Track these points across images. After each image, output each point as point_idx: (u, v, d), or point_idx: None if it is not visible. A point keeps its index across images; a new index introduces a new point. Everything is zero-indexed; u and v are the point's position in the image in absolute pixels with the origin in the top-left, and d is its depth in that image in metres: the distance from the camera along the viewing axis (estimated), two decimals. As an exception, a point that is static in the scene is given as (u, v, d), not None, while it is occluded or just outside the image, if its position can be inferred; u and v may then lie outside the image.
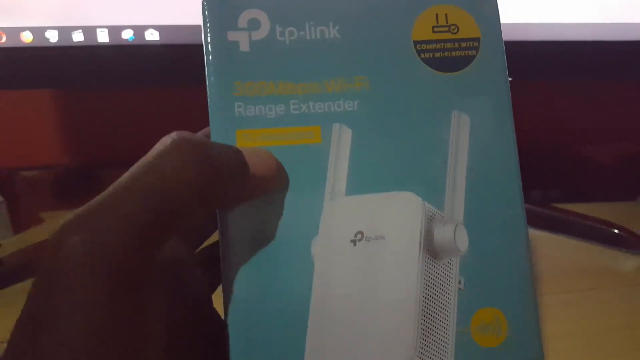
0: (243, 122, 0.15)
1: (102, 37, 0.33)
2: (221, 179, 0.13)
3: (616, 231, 0.37)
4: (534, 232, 0.40)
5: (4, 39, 0.32)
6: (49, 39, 0.32)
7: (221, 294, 0.15)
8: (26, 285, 0.35)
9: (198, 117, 0.27)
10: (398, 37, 0.16)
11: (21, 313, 0.13)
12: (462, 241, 0.15)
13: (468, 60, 0.16)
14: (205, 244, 0.18)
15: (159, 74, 0.36)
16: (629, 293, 0.32)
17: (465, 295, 0.15)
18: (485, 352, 0.15)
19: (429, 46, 0.16)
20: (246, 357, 0.14)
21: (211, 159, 0.13)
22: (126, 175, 0.13)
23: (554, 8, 0.37)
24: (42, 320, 0.12)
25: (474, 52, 0.16)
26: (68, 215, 0.12)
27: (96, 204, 0.12)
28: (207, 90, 0.16)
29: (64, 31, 0.32)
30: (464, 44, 0.16)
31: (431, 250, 0.15)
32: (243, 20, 0.15)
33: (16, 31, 0.32)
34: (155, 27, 0.33)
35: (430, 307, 0.15)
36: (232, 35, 0.15)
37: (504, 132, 0.16)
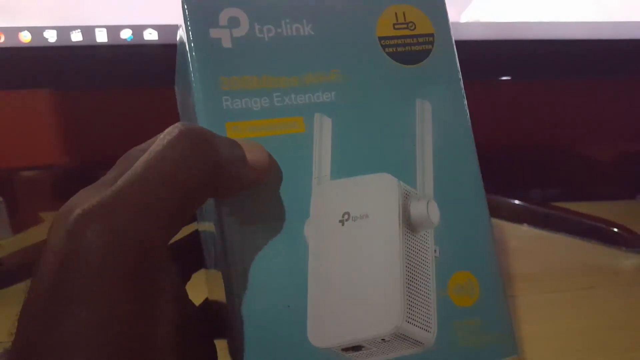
0: (231, 114, 0.16)
1: (101, 36, 0.33)
2: (224, 169, 0.14)
3: (615, 230, 0.37)
4: (533, 231, 0.40)
5: (2, 39, 0.32)
6: (47, 39, 0.32)
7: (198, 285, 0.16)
8: (25, 285, 0.35)
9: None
10: (364, 33, 0.18)
11: (28, 302, 0.13)
12: (435, 214, 0.17)
13: (425, 53, 0.18)
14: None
15: (158, 73, 0.36)
16: (628, 292, 0.32)
17: (440, 262, 0.17)
18: (462, 311, 0.17)
19: (392, 41, 0.18)
20: (257, 339, 0.15)
21: (216, 150, 0.14)
22: (140, 165, 0.13)
23: (553, 7, 0.37)
24: (59, 308, 0.12)
25: (429, 46, 0.18)
26: (81, 203, 0.13)
27: (114, 193, 0.12)
28: (192, 85, 0.16)
29: (63, 31, 0.32)
30: (421, 39, 0.18)
31: (409, 224, 0.17)
32: (223, 18, 0.16)
33: (14, 31, 0.32)
34: (154, 27, 0.33)
35: (413, 275, 0.17)
36: (214, 33, 0.16)
37: (460, 114, 0.18)
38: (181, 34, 0.17)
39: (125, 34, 0.33)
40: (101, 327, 0.12)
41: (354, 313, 0.16)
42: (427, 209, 0.17)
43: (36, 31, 0.32)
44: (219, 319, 0.17)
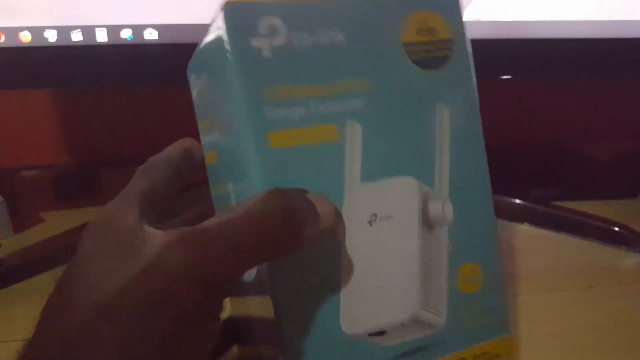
0: (272, 124, 0.16)
1: (101, 36, 0.33)
2: (303, 227, 0.15)
3: (616, 229, 0.37)
4: (534, 230, 0.40)
5: (2, 39, 0.32)
6: (47, 39, 0.32)
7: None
8: (26, 285, 0.35)
9: (194, 116, 0.26)
10: (390, 40, 0.18)
11: (84, 303, 0.14)
12: (449, 213, 0.19)
13: (445, 59, 0.19)
14: None
15: (158, 73, 0.36)
16: (629, 291, 0.32)
17: (452, 254, 0.19)
18: (467, 297, 0.19)
19: (415, 48, 0.19)
20: (300, 326, 0.17)
21: (299, 211, 0.15)
22: (235, 213, 0.15)
23: (553, 6, 0.37)
24: (123, 313, 0.13)
25: (448, 52, 0.19)
26: (170, 233, 0.14)
27: (206, 230, 0.14)
28: (231, 94, 0.16)
29: (63, 31, 0.32)
30: (441, 45, 0.19)
31: (427, 222, 0.18)
32: (263, 26, 0.16)
33: (15, 31, 0.32)
34: (154, 27, 0.33)
35: (429, 268, 0.18)
36: (255, 42, 0.16)
37: (474, 117, 0.19)
38: (215, 36, 0.17)
39: (126, 34, 0.33)
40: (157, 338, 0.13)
41: (378, 303, 0.18)
42: (442, 209, 0.19)
43: (36, 31, 0.32)
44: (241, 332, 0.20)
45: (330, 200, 0.16)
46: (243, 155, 0.17)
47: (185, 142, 0.20)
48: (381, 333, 0.18)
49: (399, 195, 0.18)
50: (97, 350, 0.13)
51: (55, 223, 0.43)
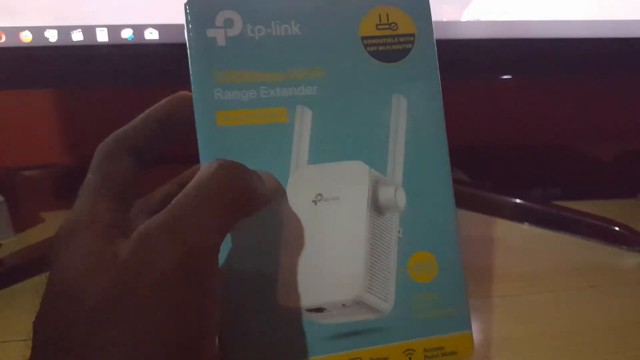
0: (222, 104, 0.18)
1: (102, 36, 0.33)
2: (254, 192, 0.16)
3: (617, 229, 0.37)
4: (534, 230, 0.40)
5: (3, 39, 0.32)
6: (48, 39, 0.32)
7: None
8: (26, 285, 0.35)
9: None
10: (348, 33, 0.19)
11: (91, 301, 0.14)
12: (401, 200, 0.19)
13: (405, 52, 0.20)
14: None
15: (159, 73, 0.36)
16: (629, 291, 0.32)
17: (403, 242, 0.19)
18: (420, 286, 0.19)
19: (374, 41, 0.19)
20: (235, 297, 0.18)
21: (248, 177, 0.16)
22: (191, 189, 0.15)
23: (553, 6, 0.37)
24: (131, 304, 0.14)
25: (410, 45, 0.20)
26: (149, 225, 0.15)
27: (174, 210, 0.15)
28: (191, 79, 0.18)
29: (64, 31, 0.32)
30: (402, 39, 0.20)
31: (376, 207, 0.19)
32: (220, 19, 0.18)
33: (15, 31, 0.32)
34: (155, 27, 0.33)
35: (376, 252, 0.19)
36: (210, 32, 0.18)
37: (434, 110, 0.20)
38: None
39: (126, 34, 0.33)
40: (172, 320, 0.14)
41: (320, 280, 0.18)
42: (394, 195, 0.19)
43: (37, 31, 0.32)
44: None
45: (274, 177, 0.18)
46: (198, 130, 0.18)
47: (153, 112, 0.19)
48: (320, 310, 0.18)
49: (348, 178, 0.19)
50: (105, 354, 0.13)
51: (55, 223, 0.42)
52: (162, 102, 0.19)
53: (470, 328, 0.20)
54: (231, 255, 0.18)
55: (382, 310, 0.19)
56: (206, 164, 0.17)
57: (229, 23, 0.18)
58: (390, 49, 0.20)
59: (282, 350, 0.18)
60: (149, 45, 0.33)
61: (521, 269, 0.34)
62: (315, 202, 0.19)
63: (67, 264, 0.15)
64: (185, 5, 0.18)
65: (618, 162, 0.55)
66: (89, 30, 0.32)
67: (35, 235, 0.40)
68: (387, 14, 0.20)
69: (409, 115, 0.20)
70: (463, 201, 0.44)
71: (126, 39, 0.33)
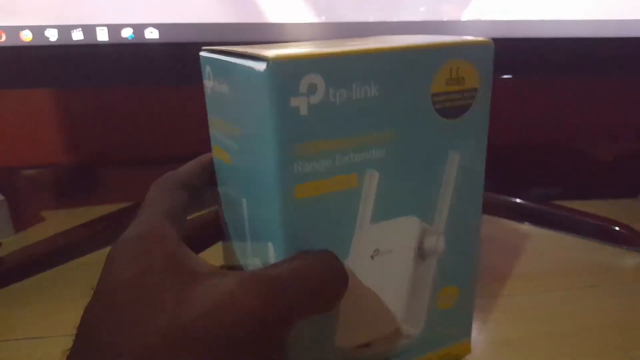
0: (300, 178, 0.17)
1: (102, 35, 0.33)
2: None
3: (617, 228, 0.37)
4: (535, 230, 0.40)
5: (3, 38, 0.32)
6: (48, 38, 0.32)
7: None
8: (27, 284, 0.35)
9: (197, 115, 0.27)
10: (421, 91, 0.18)
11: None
12: (441, 246, 0.21)
13: (466, 108, 0.19)
14: None
15: (159, 72, 0.36)
16: (629, 290, 0.32)
17: (436, 278, 0.21)
18: (442, 313, 0.22)
19: (442, 98, 0.19)
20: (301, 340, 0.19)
21: (342, 273, 0.17)
22: (293, 268, 0.16)
23: (554, 5, 0.37)
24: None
25: (471, 101, 0.19)
26: (241, 273, 0.16)
27: (275, 276, 0.16)
28: (259, 137, 0.17)
29: (64, 30, 0.32)
30: (466, 95, 0.19)
31: (421, 254, 0.20)
32: (303, 85, 0.16)
33: (16, 30, 0.32)
34: (155, 26, 0.33)
35: (416, 291, 0.21)
36: (294, 101, 0.16)
37: (480, 162, 0.20)
38: (255, 74, 0.17)
39: (126, 33, 0.33)
40: None
41: (369, 320, 0.20)
42: (436, 243, 0.20)
43: (37, 30, 0.32)
44: None
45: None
46: (267, 197, 0.18)
47: (204, 158, 0.20)
48: (367, 345, 0.20)
49: (402, 232, 0.20)
50: None
51: (55, 222, 0.43)
52: (193, 173, 0.20)
53: (470, 335, 0.23)
54: None
55: (413, 335, 0.21)
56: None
57: (312, 89, 0.16)
58: (455, 105, 0.19)
59: None
60: (149, 44, 0.33)
61: (521, 268, 0.34)
62: (372, 257, 0.20)
63: (130, 275, 0.15)
64: (267, 64, 0.16)
65: (618, 161, 0.55)
66: (89, 29, 0.32)
67: (36, 234, 0.40)
68: (458, 68, 0.19)
69: (457, 168, 0.20)
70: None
71: (126, 38, 0.33)
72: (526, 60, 0.39)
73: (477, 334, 0.27)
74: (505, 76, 0.39)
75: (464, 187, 0.20)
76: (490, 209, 0.43)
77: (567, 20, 0.38)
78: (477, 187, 0.21)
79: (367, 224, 0.19)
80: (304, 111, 0.17)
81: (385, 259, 0.20)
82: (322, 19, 0.36)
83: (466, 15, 0.37)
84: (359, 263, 0.19)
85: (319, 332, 0.19)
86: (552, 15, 0.37)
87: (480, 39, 0.19)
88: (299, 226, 0.18)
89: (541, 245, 0.37)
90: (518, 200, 0.42)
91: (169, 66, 0.35)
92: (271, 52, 0.16)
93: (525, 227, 0.41)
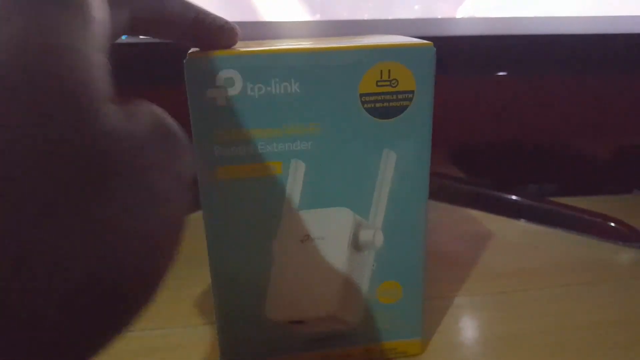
0: (221, 160, 0.19)
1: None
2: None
3: (613, 224, 0.37)
4: (530, 226, 0.40)
5: None
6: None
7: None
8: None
9: (189, 115, 0.26)
10: (347, 90, 0.19)
11: None
12: (379, 241, 0.22)
13: (402, 109, 0.20)
14: None
15: (151, 72, 0.35)
16: (626, 286, 0.32)
17: (375, 272, 0.23)
18: (385, 306, 0.23)
19: (372, 98, 0.20)
20: (233, 310, 0.22)
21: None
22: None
23: (548, 2, 0.37)
24: None
25: (407, 102, 0.20)
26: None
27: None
28: (192, 134, 0.19)
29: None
30: (400, 96, 0.20)
31: (356, 245, 0.22)
32: (220, 79, 0.18)
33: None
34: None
35: (350, 280, 0.22)
36: (210, 93, 0.19)
37: (421, 164, 0.21)
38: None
39: (119, 33, 0.33)
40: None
41: (301, 300, 0.22)
42: (373, 237, 0.22)
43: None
44: None
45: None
46: (200, 183, 0.20)
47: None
48: (300, 322, 0.22)
49: (333, 221, 0.21)
50: None
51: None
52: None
53: (420, 335, 0.24)
54: (225, 262, 0.21)
55: (350, 323, 0.23)
56: None
57: (229, 82, 0.18)
58: (387, 106, 0.20)
59: (268, 350, 0.23)
60: (142, 44, 0.33)
61: (517, 265, 0.34)
62: (302, 241, 0.21)
63: None
64: (184, 64, 0.18)
65: (614, 157, 0.55)
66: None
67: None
68: (389, 70, 0.19)
69: (396, 168, 0.21)
70: (459, 198, 0.44)
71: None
72: (521, 57, 0.39)
73: (472, 332, 0.27)
74: (500, 73, 0.39)
75: (404, 186, 0.21)
76: (486, 205, 0.43)
77: (562, 17, 0.38)
78: (420, 187, 0.21)
79: (295, 210, 0.21)
80: (221, 102, 0.19)
81: (317, 245, 0.21)
82: (317, 17, 0.36)
83: (461, 13, 0.37)
84: (288, 245, 0.21)
85: (245, 301, 0.22)
86: (546, 12, 0.37)
87: (419, 41, 0.20)
88: (222, 205, 0.20)
89: (537, 242, 0.38)
90: (514, 197, 0.42)
91: (162, 66, 0.35)
92: (195, 49, 0.19)
93: (521, 223, 0.41)
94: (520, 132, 0.62)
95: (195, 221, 0.22)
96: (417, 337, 0.24)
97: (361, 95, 0.19)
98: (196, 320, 0.28)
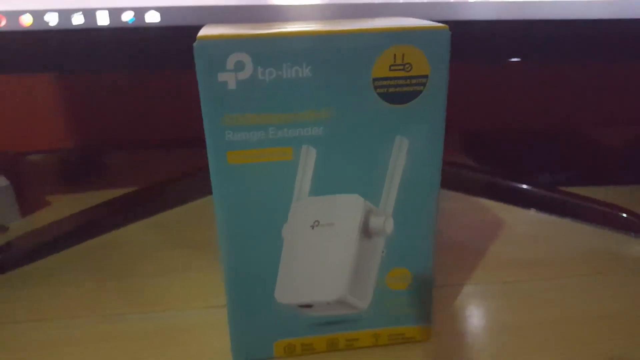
0: (231, 145, 0.19)
1: (102, 19, 0.32)
2: None
3: (624, 215, 0.37)
4: (541, 216, 0.40)
5: (3, 23, 0.31)
6: (48, 22, 0.32)
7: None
8: (33, 267, 0.35)
9: (198, 99, 0.26)
10: (360, 75, 0.19)
11: None
12: (389, 228, 0.22)
13: (415, 94, 0.20)
14: None
15: (160, 56, 0.35)
16: (637, 277, 0.31)
17: (385, 258, 0.23)
18: (394, 292, 0.23)
19: (385, 82, 0.19)
20: (242, 292, 0.22)
21: None
22: None
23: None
24: None
25: (421, 87, 0.20)
26: None
27: None
28: (203, 118, 0.19)
29: (64, 14, 0.32)
30: (414, 81, 0.19)
31: (366, 232, 0.22)
32: (230, 62, 0.18)
33: (16, 14, 0.31)
34: (156, 9, 0.33)
35: (360, 265, 0.22)
36: (221, 77, 0.18)
37: (434, 151, 0.21)
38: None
39: (127, 17, 0.32)
40: None
41: (310, 284, 0.22)
42: (384, 224, 0.22)
43: (37, 14, 0.32)
44: None
45: None
46: (211, 167, 0.20)
47: None
48: (309, 306, 0.23)
49: (344, 207, 0.21)
50: None
51: (61, 206, 0.43)
52: None
53: (428, 322, 0.25)
54: (236, 246, 0.21)
55: (359, 308, 0.23)
56: None
57: (239, 66, 0.18)
58: (400, 91, 0.19)
59: (278, 332, 0.23)
60: (150, 28, 0.33)
61: (527, 255, 0.34)
62: (312, 227, 0.21)
63: None
64: (195, 47, 0.18)
65: (627, 147, 0.54)
66: (89, 13, 0.32)
67: (42, 218, 0.40)
68: (403, 54, 0.19)
69: (409, 155, 0.21)
70: (469, 187, 0.44)
71: (127, 22, 0.32)
72: (535, 43, 0.38)
73: (479, 320, 0.27)
74: (513, 59, 0.38)
75: (416, 173, 0.21)
76: (497, 194, 0.42)
77: (578, 1, 0.37)
78: (432, 175, 0.21)
79: (306, 196, 0.21)
80: (232, 85, 0.18)
81: (327, 231, 0.21)
82: (326, 0, 0.36)
83: (474, -3, 0.36)
84: (298, 230, 0.21)
85: (256, 284, 0.22)
86: (563, -3, 0.36)
87: (434, 24, 0.19)
88: (233, 190, 0.20)
89: (547, 232, 0.37)
90: (525, 186, 0.41)
91: (171, 50, 0.35)
92: (205, 32, 0.19)
93: (532, 213, 0.40)
94: (532, 120, 0.61)
95: (206, 205, 0.22)
96: (424, 323, 0.25)
97: (374, 79, 0.19)
98: (207, 303, 0.29)
